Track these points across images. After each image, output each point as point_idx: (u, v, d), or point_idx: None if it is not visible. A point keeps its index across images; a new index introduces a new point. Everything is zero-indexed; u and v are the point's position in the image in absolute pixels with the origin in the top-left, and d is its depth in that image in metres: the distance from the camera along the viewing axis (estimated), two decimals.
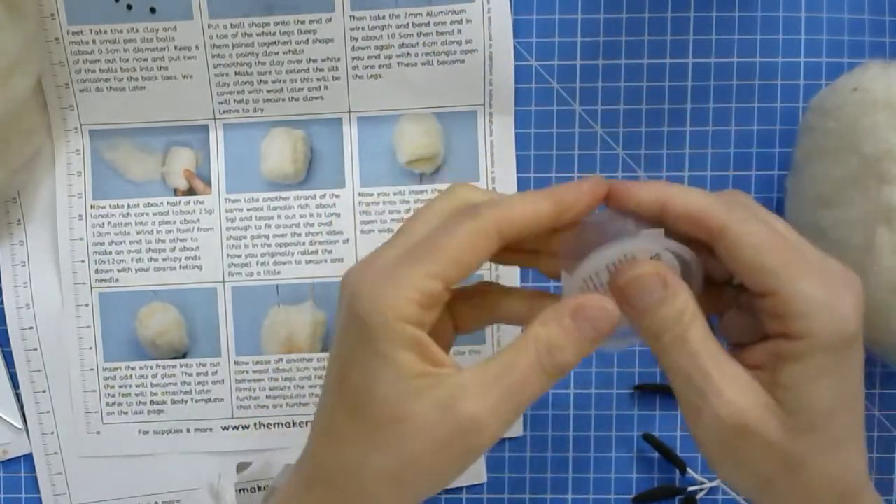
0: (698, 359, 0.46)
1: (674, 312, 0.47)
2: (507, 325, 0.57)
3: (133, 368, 0.70)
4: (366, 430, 0.47)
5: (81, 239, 0.69)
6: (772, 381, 0.46)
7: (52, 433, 0.70)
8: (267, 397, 0.70)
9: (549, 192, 0.49)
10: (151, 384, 0.70)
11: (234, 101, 0.68)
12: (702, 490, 0.69)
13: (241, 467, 0.70)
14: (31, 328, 0.70)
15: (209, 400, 0.70)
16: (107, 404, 0.70)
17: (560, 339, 0.47)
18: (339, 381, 0.48)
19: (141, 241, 0.69)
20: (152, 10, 0.66)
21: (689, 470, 0.68)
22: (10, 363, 0.70)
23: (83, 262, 0.69)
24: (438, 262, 0.46)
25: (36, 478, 0.71)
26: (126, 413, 0.70)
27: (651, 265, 0.47)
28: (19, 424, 0.70)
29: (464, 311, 0.52)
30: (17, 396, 0.70)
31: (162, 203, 0.69)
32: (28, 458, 0.71)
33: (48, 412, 0.70)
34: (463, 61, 0.66)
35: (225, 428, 0.70)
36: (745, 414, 0.45)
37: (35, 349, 0.70)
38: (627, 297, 0.48)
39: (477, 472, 0.70)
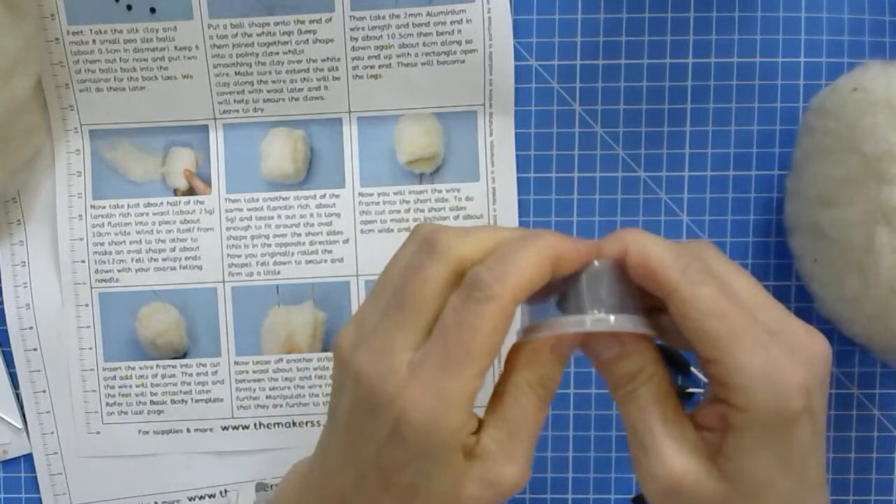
0: (646, 415, 0.48)
1: (628, 371, 0.48)
2: None
3: (133, 368, 0.70)
4: None
5: (81, 239, 0.69)
6: (717, 445, 0.47)
7: (52, 433, 0.70)
8: (267, 397, 0.70)
9: (546, 251, 0.48)
10: (151, 384, 0.70)
11: (234, 101, 0.68)
12: None
13: (259, 488, 0.70)
14: (31, 328, 0.70)
15: (209, 400, 0.70)
16: (107, 404, 0.70)
17: (549, 372, 0.50)
18: (387, 472, 0.48)
19: (141, 241, 0.69)
20: (152, 10, 0.66)
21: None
22: (10, 363, 0.70)
23: (83, 262, 0.69)
24: (477, 364, 0.46)
25: (36, 478, 0.71)
26: (126, 413, 0.70)
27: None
28: (19, 424, 0.70)
29: None
30: (17, 396, 0.70)
31: (162, 203, 0.69)
32: (28, 458, 0.71)
33: (48, 412, 0.70)
34: (463, 61, 0.66)
35: (225, 428, 0.70)
36: (680, 476, 0.46)
37: (35, 349, 0.70)
38: (589, 345, 0.50)
39: None
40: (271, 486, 0.70)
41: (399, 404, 0.46)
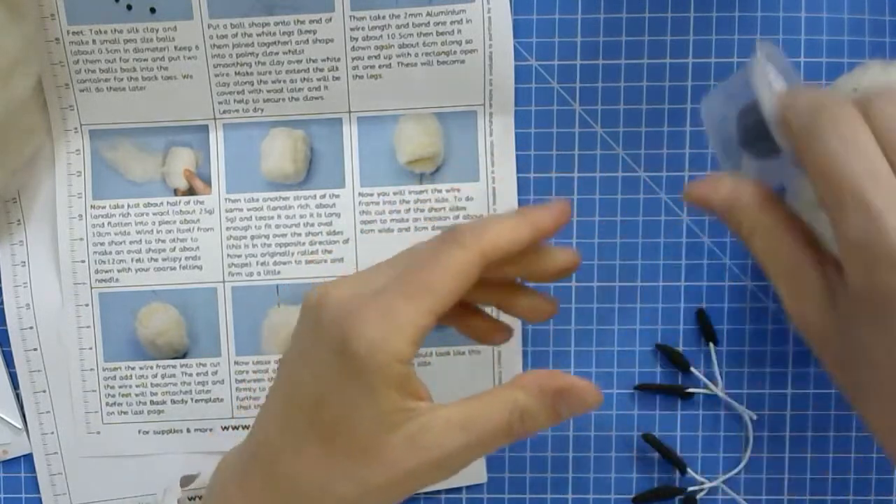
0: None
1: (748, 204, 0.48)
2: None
3: (133, 368, 0.70)
4: (336, 458, 0.48)
5: (81, 239, 0.69)
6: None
7: (52, 433, 0.70)
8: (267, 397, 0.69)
9: (524, 215, 0.51)
10: (151, 384, 0.70)
11: (234, 101, 0.68)
12: (702, 490, 0.69)
13: (186, 481, 0.70)
14: (31, 328, 0.70)
15: (209, 400, 0.70)
16: (107, 404, 0.70)
17: (537, 410, 0.49)
18: (315, 406, 0.48)
19: (141, 241, 0.69)
20: (152, 10, 0.66)
21: (689, 470, 0.68)
22: (10, 363, 0.70)
23: (83, 262, 0.69)
24: (434, 298, 0.48)
25: (36, 478, 0.71)
26: (126, 413, 0.70)
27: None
28: (19, 424, 0.70)
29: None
30: (17, 396, 0.70)
31: (162, 203, 0.69)
32: (28, 458, 0.71)
33: (48, 412, 0.70)
34: (463, 61, 0.66)
35: (225, 428, 0.70)
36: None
37: (35, 349, 0.70)
38: (704, 193, 0.50)
39: (477, 472, 0.70)
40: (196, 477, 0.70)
41: (350, 320, 0.47)
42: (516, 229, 0.50)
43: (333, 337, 0.48)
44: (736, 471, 0.69)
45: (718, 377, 0.68)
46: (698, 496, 0.69)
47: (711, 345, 0.68)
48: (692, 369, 0.68)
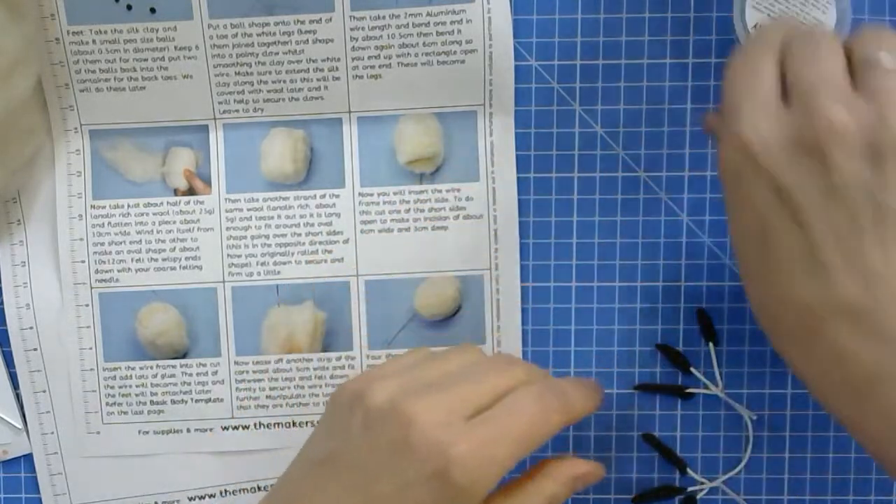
0: None
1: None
2: None
3: (133, 368, 0.70)
4: None
5: (81, 239, 0.69)
6: None
7: (52, 433, 0.70)
8: (267, 397, 0.70)
9: (591, 393, 0.59)
10: (151, 384, 0.70)
11: (234, 101, 0.68)
12: (702, 490, 0.69)
13: None
14: (31, 328, 0.70)
15: (209, 400, 0.70)
16: (107, 404, 0.70)
17: (563, 495, 0.58)
18: None
19: (141, 241, 0.69)
20: (152, 10, 0.66)
21: (689, 470, 0.68)
22: (10, 363, 0.70)
23: (83, 262, 0.69)
24: (525, 450, 0.54)
25: (36, 478, 0.71)
26: (126, 413, 0.70)
27: None
28: (19, 424, 0.70)
29: None
30: (17, 396, 0.70)
31: (162, 203, 0.69)
32: (28, 458, 0.71)
33: (48, 412, 0.70)
34: (463, 61, 0.66)
35: (225, 428, 0.70)
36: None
37: (35, 349, 0.70)
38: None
39: None
40: None
41: (456, 452, 0.51)
42: (588, 408, 0.58)
43: (432, 462, 0.52)
44: (736, 471, 0.69)
45: (718, 377, 0.68)
46: (698, 496, 0.69)
47: (711, 345, 0.68)
48: (692, 369, 0.68)
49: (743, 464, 0.69)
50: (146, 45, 0.67)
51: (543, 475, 0.58)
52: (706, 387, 0.68)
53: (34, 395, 0.70)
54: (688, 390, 0.68)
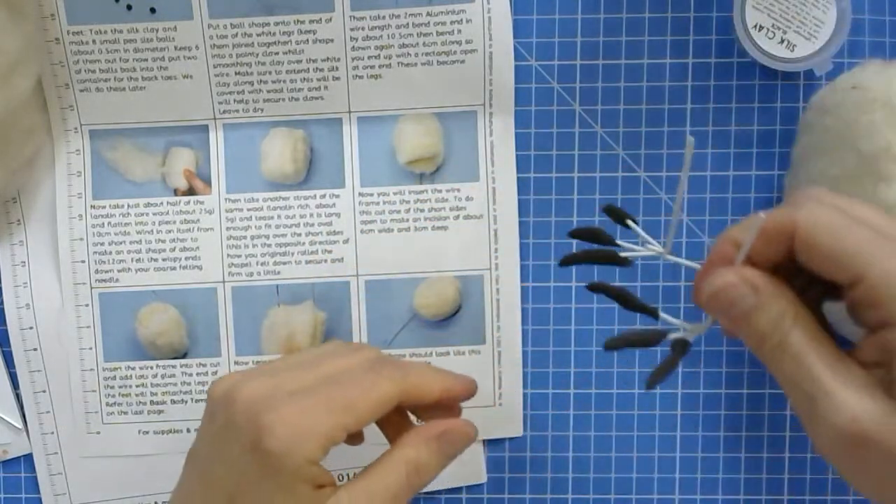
0: (804, 362, 0.43)
1: (770, 318, 0.45)
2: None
3: (133, 368, 0.70)
4: None
5: (81, 239, 0.69)
6: (889, 380, 0.42)
7: (52, 433, 0.70)
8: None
9: (441, 377, 0.57)
10: (151, 384, 0.70)
11: (234, 101, 0.68)
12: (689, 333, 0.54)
13: None
14: (31, 328, 0.70)
15: None
16: (107, 404, 0.70)
17: (427, 459, 0.54)
18: (229, 500, 0.51)
19: (141, 241, 0.69)
20: (152, 10, 0.66)
21: (662, 314, 0.55)
22: (10, 363, 0.70)
23: (83, 262, 0.69)
24: (351, 418, 0.52)
25: (36, 478, 0.71)
26: (126, 413, 0.70)
27: (734, 272, 0.46)
28: (19, 424, 0.70)
29: None
30: (17, 396, 0.70)
31: (162, 203, 0.69)
32: (28, 458, 0.71)
33: (48, 412, 0.70)
34: (463, 61, 0.66)
35: None
36: (862, 420, 0.41)
37: (35, 349, 0.70)
38: (717, 308, 0.47)
39: (477, 472, 0.70)
40: None
41: (268, 420, 0.50)
42: (431, 386, 0.56)
43: (247, 433, 0.51)
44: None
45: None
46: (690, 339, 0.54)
47: (631, 222, 0.56)
48: (662, 315, 0.55)
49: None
50: (146, 45, 0.67)
51: (400, 444, 0.55)
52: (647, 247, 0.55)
53: (34, 395, 0.70)
54: (624, 254, 0.55)
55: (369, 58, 0.67)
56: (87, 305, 0.69)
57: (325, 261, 0.69)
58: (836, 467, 0.44)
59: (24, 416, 0.70)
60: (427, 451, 0.54)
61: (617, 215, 0.56)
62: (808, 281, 0.46)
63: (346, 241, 0.69)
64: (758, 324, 0.45)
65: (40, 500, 0.71)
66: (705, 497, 0.70)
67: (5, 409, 0.70)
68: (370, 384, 0.53)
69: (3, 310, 0.70)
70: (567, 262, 0.56)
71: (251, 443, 0.50)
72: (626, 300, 0.54)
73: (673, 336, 0.52)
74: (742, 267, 0.46)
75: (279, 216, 0.69)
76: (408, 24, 0.66)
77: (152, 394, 0.70)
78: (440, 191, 0.68)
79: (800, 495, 0.69)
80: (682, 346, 0.52)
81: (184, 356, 0.70)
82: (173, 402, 0.70)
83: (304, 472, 0.50)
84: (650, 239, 0.55)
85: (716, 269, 0.46)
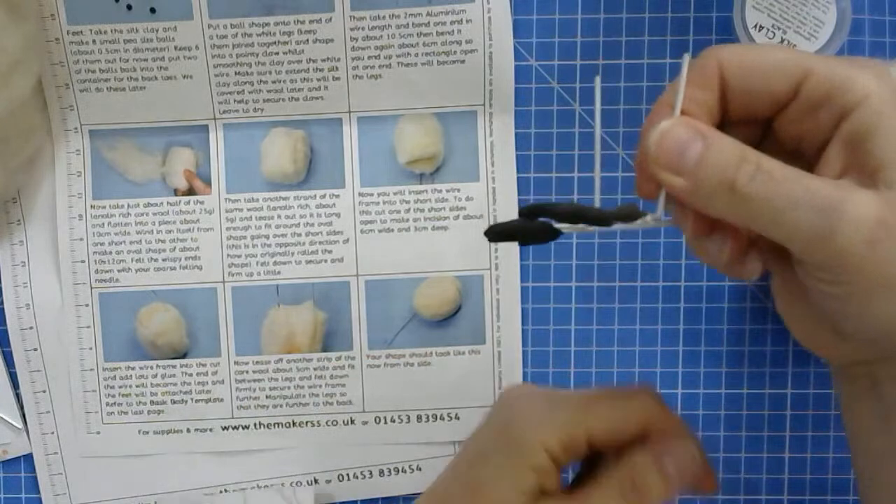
0: (798, 181, 0.42)
1: (732, 154, 0.43)
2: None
3: (133, 368, 0.70)
4: None
5: (81, 239, 0.69)
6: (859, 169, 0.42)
7: (52, 433, 0.70)
8: (267, 397, 0.70)
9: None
10: (151, 384, 0.70)
11: (234, 101, 0.68)
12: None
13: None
14: (31, 328, 0.70)
15: (209, 400, 0.70)
16: (107, 404, 0.70)
17: (646, 473, 0.49)
18: (469, 466, 0.52)
19: (141, 241, 0.69)
20: (152, 11, 0.66)
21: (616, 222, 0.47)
22: (10, 363, 0.70)
23: (83, 262, 0.69)
24: (593, 419, 0.50)
25: (36, 478, 0.71)
26: (126, 413, 0.70)
27: (677, 119, 0.44)
28: (19, 424, 0.70)
29: None
30: (17, 396, 0.70)
31: (162, 203, 0.69)
32: (28, 458, 0.71)
33: (48, 412, 0.70)
34: (463, 61, 0.66)
35: (225, 428, 0.70)
36: (883, 210, 0.41)
37: (35, 349, 0.70)
38: (665, 163, 0.43)
39: None
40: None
41: (517, 407, 0.51)
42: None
43: (501, 417, 0.52)
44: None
45: None
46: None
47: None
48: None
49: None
50: (146, 45, 0.67)
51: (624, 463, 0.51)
52: None
53: (34, 395, 0.70)
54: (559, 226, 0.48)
55: (369, 58, 0.67)
56: (87, 305, 0.69)
57: (326, 261, 0.69)
58: (858, 266, 0.42)
59: (24, 416, 0.70)
60: (647, 466, 0.50)
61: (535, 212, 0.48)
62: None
63: (346, 241, 0.69)
64: (717, 162, 0.43)
65: (40, 500, 0.71)
66: (705, 497, 0.70)
67: (5, 409, 0.70)
68: (624, 402, 0.50)
69: (3, 310, 0.70)
70: (492, 234, 0.49)
71: (501, 422, 0.52)
72: (578, 213, 0.47)
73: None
74: (682, 116, 0.44)
75: (279, 216, 0.69)
76: (408, 24, 0.66)
77: (152, 394, 0.70)
78: (440, 191, 0.68)
79: (800, 495, 0.69)
80: (618, 214, 0.46)
81: (184, 356, 0.70)
82: (173, 402, 0.70)
83: (533, 456, 0.49)
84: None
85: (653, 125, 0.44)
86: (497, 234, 0.48)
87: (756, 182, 0.42)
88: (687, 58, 0.44)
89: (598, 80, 0.47)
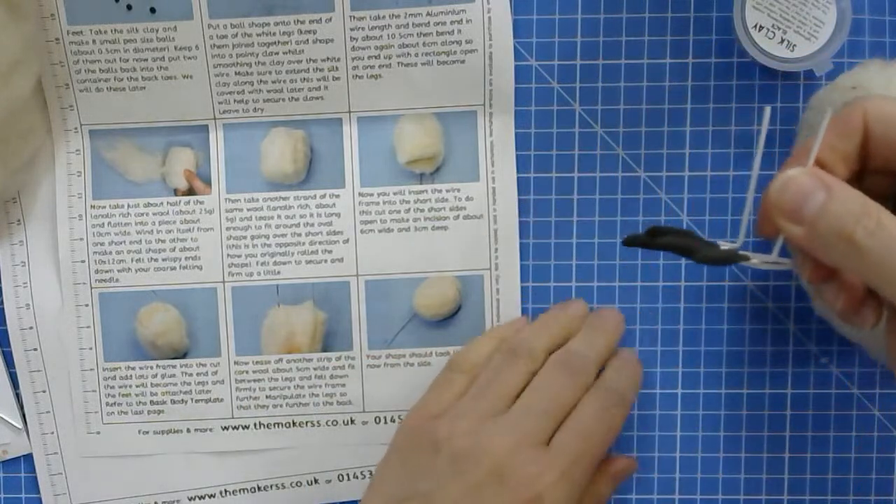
0: None
1: (853, 207, 0.43)
2: None
3: (133, 368, 0.70)
4: None
5: (81, 239, 0.69)
6: None
7: (52, 433, 0.70)
8: (267, 397, 0.70)
9: (634, 365, 0.66)
10: (151, 384, 0.70)
11: (234, 101, 0.68)
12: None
13: None
14: (31, 328, 0.70)
15: (209, 400, 0.70)
16: (107, 404, 0.70)
17: (606, 492, 0.65)
18: None
19: (141, 241, 0.69)
20: (152, 10, 0.66)
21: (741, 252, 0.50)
22: (10, 363, 0.70)
23: (83, 262, 0.69)
24: (595, 466, 0.60)
25: (36, 478, 0.71)
26: (126, 413, 0.70)
27: (802, 169, 0.44)
28: (19, 424, 0.70)
29: None
30: (17, 396, 0.70)
31: (162, 203, 0.69)
32: (28, 458, 0.71)
33: (48, 412, 0.70)
34: (463, 61, 0.66)
35: (225, 428, 0.70)
36: None
37: (35, 349, 0.70)
38: (786, 205, 0.44)
39: None
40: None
41: (541, 483, 0.56)
42: (636, 378, 0.66)
43: (524, 493, 0.56)
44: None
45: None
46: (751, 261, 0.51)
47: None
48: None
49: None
50: (146, 45, 0.67)
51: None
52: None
53: (34, 395, 0.70)
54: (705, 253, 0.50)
55: (369, 58, 0.67)
56: (87, 305, 0.69)
57: (325, 261, 0.69)
58: None
59: (24, 416, 0.70)
60: (607, 487, 0.64)
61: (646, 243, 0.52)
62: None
63: (346, 241, 0.69)
64: (839, 213, 0.43)
65: (40, 500, 0.71)
66: (705, 497, 0.70)
67: (5, 409, 0.70)
68: (610, 431, 0.61)
69: (3, 310, 0.70)
70: (631, 242, 0.53)
71: (528, 500, 0.56)
72: (691, 249, 0.49)
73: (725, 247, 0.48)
74: (812, 168, 0.44)
75: (279, 216, 0.69)
76: (408, 24, 0.66)
77: (152, 394, 0.70)
78: (440, 191, 0.68)
79: (800, 495, 0.69)
80: (726, 257, 0.49)
81: (184, 356, 0.70)
82: (173, 402, 0.70)
83: None
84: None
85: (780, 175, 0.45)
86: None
87: (875, 238, 0.42)
88: (830, 113, 0.44)
89: (767, 110, 0.47)
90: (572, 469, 0.57)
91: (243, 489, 0.71)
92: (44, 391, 0.70)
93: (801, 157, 0.46)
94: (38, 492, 0.71)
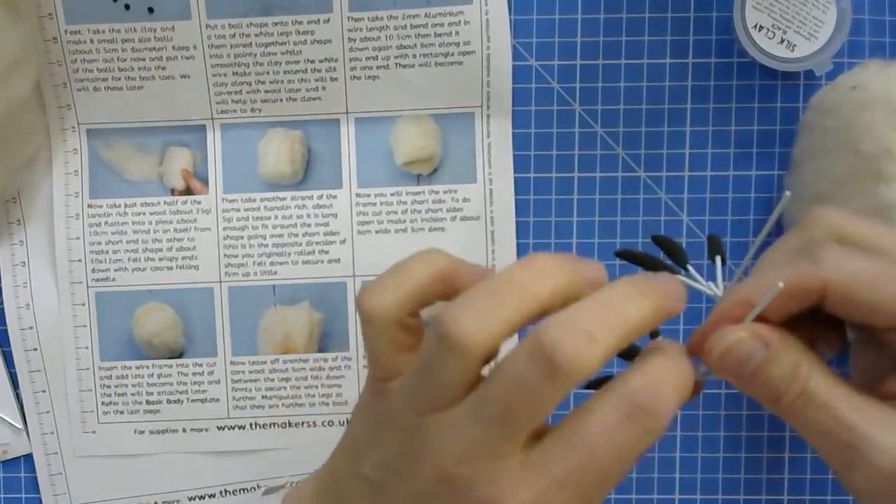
0: (833, 410, 0.41)
1: (785, 370, 0.42)
2: None
3: (129, 368, 0.70)
4: None
5: (78, 238, 0.69)
6: None
7: (52, 433, 0.70)
8: (263, 397, 0.70)
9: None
10: (147, 384, 0.70)
11: (232, 101, 0.68)
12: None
13: (269, 491, 0.71)
14: (31, 328, 0.70)
15: (205, 400, 0.70)
16: (103, 404, 0.70)
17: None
18: None
19: (138, 240, 0.69)
20: (150, 10, 0.66)
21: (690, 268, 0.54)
22: (10, 363, 0.70)
23: (80, 261, 0.69)
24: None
25: (36, 478, 0.71)
26: (122, 413, 0.70)
27: (743, 329, 0.44)
28: (19, 424, 0.70)
29: None
30: (17, 396, 0.70)
31: (159, 203, 0.69)
32: (28, 458, 0.71)
33: (48, 412, 0.70)
34: (461, 63, 0.66)
35: (221, 428, 0.70)
36: None
37: (35, 349, 0.70)
38: (728, 368, 0.44)
39: None
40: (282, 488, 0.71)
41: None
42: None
43: None
44: None
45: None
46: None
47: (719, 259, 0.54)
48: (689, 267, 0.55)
49: None
50: (144, 45, 0.67)
51: None
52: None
53: (34, 395, 0.70)
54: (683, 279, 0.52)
55: (367, 59, 0.67)
56: (83, 304, 0.69)
57: (322, 261, 0.69)
58: None
59: (24, 416, 0.70)
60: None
61: (669, 249, 0.54)
62: (813, 325, 0.44)
63: (342, 242, 0.69)
64: (771, 377, 0.42)
65: (40, 500, 0.71)
66: (705, 497, 0.70)
67: (5, 409, 0.70)
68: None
69: (3, 310, 0.70)
70: (623, 255, 0.54)
71: None
72: (654, 266, 0.53)
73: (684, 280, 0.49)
74: (751, 323, 0.44)
75: (276, 216, 0.69)
76: (405, 25, 0.66)
77: (148, 393, 0.70)
78: (437, 192, 0.68)
79: (800, 495, 0.69)
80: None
81: (180, 356, 0.70)
82: (169, 402, 0.70)
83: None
84: (700, 280, 0.52)
85: (722, 328, 0.45)
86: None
87: (797, 403, 0.42)
88: (779, 284, 0.43)
89: (787, 194, 0.46)
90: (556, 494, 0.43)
91: (243, 489, 0.71)
92: (44, 391, 0.70)
93: (741, 307, 0.44)
94: (38, 492, 0.71)
